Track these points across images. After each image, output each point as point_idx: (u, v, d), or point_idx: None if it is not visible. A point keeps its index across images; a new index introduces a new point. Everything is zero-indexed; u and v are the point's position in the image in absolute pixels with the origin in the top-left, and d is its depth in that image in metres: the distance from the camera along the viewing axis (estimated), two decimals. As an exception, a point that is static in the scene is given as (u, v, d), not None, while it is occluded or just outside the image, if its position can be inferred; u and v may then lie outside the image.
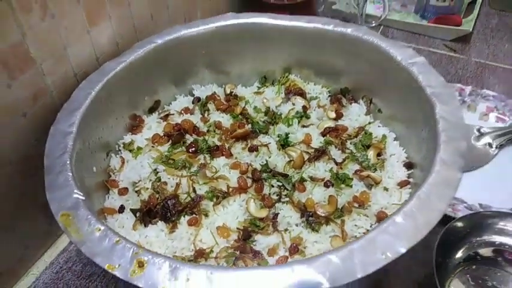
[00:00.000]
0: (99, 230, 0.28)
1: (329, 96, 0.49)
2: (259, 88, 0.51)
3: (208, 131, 0.44)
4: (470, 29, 0.75)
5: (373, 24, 0.74)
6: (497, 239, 0.42)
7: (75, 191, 0.30)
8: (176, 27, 0.47)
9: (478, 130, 0.57)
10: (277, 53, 0.50)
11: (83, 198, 0.30)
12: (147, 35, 0.46)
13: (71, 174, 0.31)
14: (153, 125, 0.45)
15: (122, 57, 0.43)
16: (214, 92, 0.49)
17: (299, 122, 0.45)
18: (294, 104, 0.47)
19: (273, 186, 0.39)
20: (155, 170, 0.40)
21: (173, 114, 0.46)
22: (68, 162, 0.32)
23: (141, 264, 0.26)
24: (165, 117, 0.46)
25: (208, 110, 0.47)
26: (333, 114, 0.46)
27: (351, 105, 0.47)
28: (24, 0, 0.34)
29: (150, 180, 0.39)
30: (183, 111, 0.47)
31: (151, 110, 0.47)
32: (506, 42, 0.76)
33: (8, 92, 0.35)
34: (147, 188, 0.38)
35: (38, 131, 0.38)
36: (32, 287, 0.42)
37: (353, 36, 0.45)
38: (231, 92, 0.49)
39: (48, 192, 0.30)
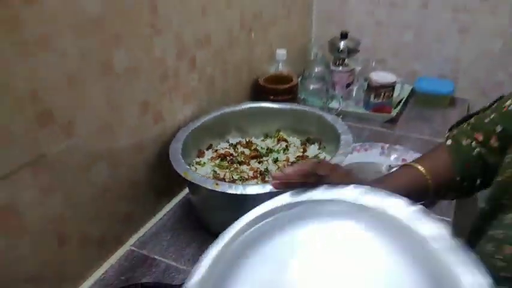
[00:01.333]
0: (199, 175, 0.70)
1: (300, 142, 0.93)
2: (263, 139, 0.95)
3: (238, 155, 0.88)
4: (394, 115, 1.21)
5: (334, 113, 1.21)
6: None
7: (186, 166, 0.73)
8: (222, 107, 0.93)
9: (389, 166, 0.99)
10: (273, 122, 0.95)
11: (189, 168, 0.72)
12: (207, 112, 0.92)
13: (183, 160, 0.74)
14: (209, 154, 0.89)
15: (196, 122, 0.88)
16: (240, 140, 0.94)
17: (283, 152, 0.88)
18: (281, 145, 0.91)
19: (269, 178, 0.81)
20: (213, 170, 0.82)
21: (219, 149, 0.90)
22: (181, 157, 0.75)
23: (217, 185, 0.67)
24: (215, 151, 0.89)
25: (237, 147, 0.91)
26: (301, 150, 0.89)
27: (311, 146, 0.91)
28: (165, 95, 0.81)
29: (211, 173, 0.81)
30: (224, 149, 0.91)
31: (207, 148, 0.91)
32: (419, 123, 1.21)
33: (152, 129, 0.80)
34: (210, 177, 0.80)
35: (162, 149, 0.82)
36: (148, 232, 0.81)
37: (310, 111, 0.91)
38: (249, 140, 0.93)
39: (174, 166, 0.73)
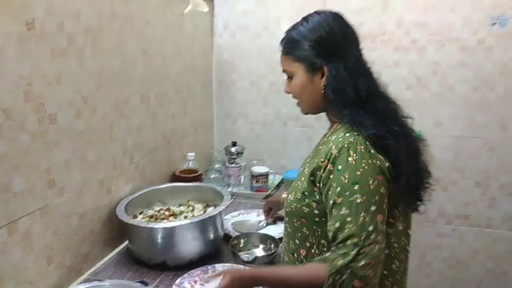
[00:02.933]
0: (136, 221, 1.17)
1: (202, 207, 1.44)
2: (178, 206, 1.45)
3: (160, 215, 1.35)
4: (268, 193, 1.79)
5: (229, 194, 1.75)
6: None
7: (128, 216, 1.20)
8: (150, 187, 1.43)
9: (259, 221, 1.52)
10: (184, 196, 1.47)
11: (131, 217, 1.19)
12: (140, 189, 1.41)
13: (125, 213, 1.21)
14: (140, 217, 1.35)
15: (132, 195, 1.36)
16: (162, 208, 1.43)
17: (190, 212, 1.38)
18: (189, 209, 1.41)
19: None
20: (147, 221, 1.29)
21: (148, 213, 1.38)
22: (125, 213, 1.22)
23: (148, 223, 1.15)
24: (145, 215, 1.37)
25: (160, 212, 1.39)
26: (202, 211, 1.40)
27: (209, 208, 1.42)
28: (114, 177, 1.30)
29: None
30: (152, 213, 1.39)
31: (140, 213, 1.38)
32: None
33: (105, 198, 1.26)
34: (142, 227, 1.27)
35: (111, 212, 1.27)
36: (99, 267, 1.21)
37: (208, 187, 1.45)
38: (168, 207, 1.43)
39: (121, 217, 1.19)
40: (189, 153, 1.73)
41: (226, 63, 2.02)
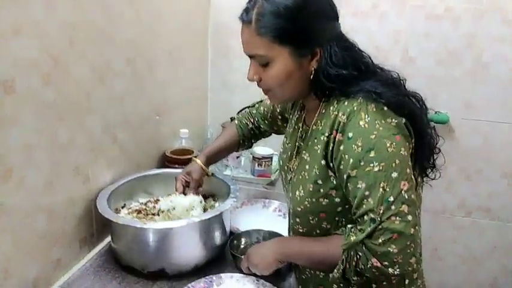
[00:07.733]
0: (128, 219, 0.91)
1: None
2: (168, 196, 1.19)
3: (150, 209, 1.10)
4: (273, 179, 1.56)
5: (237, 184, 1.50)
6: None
7: (114, 214, 0.94)
8: (135, 173, 1.17)
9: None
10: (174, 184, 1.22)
11: (114, 214, 0.94)
12: (123, 177, 1.14)
13: (109, 207, 0.95)
14: (124, 211, 1.09)
15: (114, 185, 1.10)
16: (149, 199, 1.16)
17: (187, 205, 1.14)
18: (185, 200, 1.16)
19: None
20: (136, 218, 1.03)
21: (132, 207, 1.12)
22: (109, 208, 0.96)
23: (145, 223, 0.89)
24: (129, 208, 1.11)
25: (147, 204, 1.14)
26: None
27: (206, 200, 1.18)
28: (92, 162, 1.03)
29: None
30: (137, 206, 1.13)
31: (122, 207, 1.12)
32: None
33: (81, 189, 1.00)
34: (129, 225, 1.01)
35: (87, 205, 1.01)
36: (73, 275, 0.96)
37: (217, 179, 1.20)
38: (157, 199, 1.17)
39: (105, 215, 0.93)
40: (181, 130, 1.46)
41: (224, 26, 1.72)
